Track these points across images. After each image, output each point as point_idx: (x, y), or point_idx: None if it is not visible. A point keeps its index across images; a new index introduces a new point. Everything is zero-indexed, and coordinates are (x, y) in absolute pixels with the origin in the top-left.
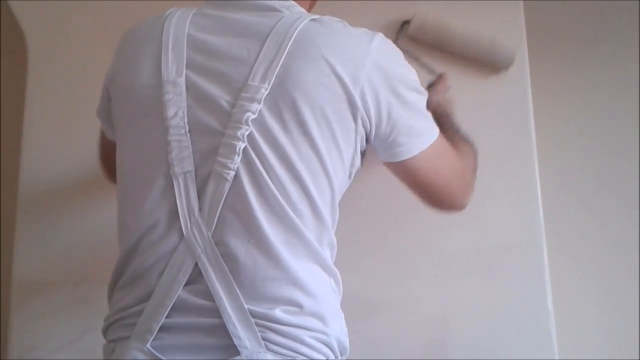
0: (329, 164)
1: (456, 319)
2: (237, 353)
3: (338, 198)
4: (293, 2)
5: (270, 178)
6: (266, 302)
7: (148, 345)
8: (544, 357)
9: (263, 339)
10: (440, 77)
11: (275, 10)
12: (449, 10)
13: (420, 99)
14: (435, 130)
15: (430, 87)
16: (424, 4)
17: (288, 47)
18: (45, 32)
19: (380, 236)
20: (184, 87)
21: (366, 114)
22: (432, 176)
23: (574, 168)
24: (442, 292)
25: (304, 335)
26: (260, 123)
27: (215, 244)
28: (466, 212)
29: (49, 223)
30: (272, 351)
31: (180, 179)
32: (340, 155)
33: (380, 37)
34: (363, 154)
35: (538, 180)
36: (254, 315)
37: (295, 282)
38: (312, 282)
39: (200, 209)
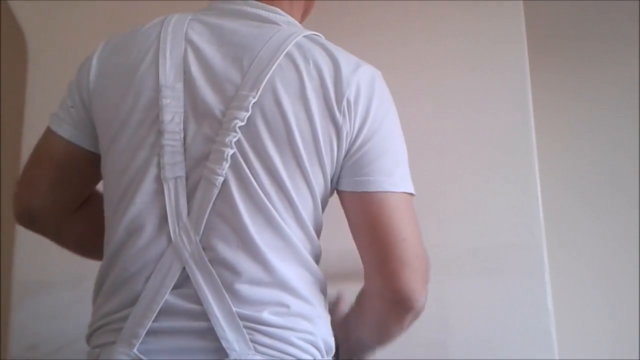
0: (311, 174)
1: (456, 318)
2: (226, 355)
3: (321, 203)
4: (291, 18)
5: (258, 184)
6: (254, 304)
7: (135, 350)
8: (544, 357)
9: (251, 341)
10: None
11: (273, 23)
12: (449, 10)
13: (399, 139)
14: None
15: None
16: (424, 4)
17: (280, 59)
18: (45, 32)
19: None
20: (182, 93)
21: (349, 127)
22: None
23: (574, 168)
24: (442, 292)
25: (292, 336)
26: (249, 130)
27: (203, 249)
28: (466, 212)
29: None
30: (261, 353)
31: (170, 184)
32: (321, 164)
33: (370, 68)
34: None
35: (538, 180)
36: (242, 317)
37: (282, 285)
38: (299, 284)
39: (188, 214)
